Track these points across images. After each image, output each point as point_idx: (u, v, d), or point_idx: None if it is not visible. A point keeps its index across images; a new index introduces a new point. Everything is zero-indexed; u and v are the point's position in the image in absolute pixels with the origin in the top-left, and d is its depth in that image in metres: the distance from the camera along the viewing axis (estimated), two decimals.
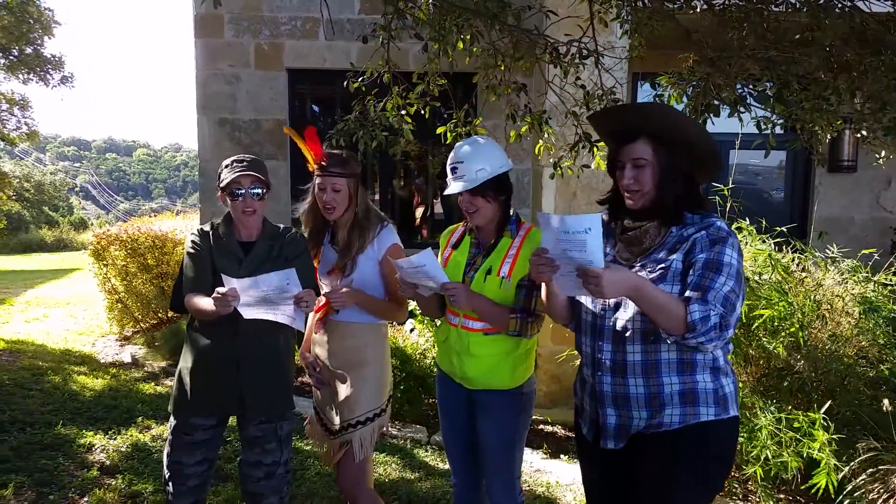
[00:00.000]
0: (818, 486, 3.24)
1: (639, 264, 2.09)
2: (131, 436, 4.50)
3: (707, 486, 2.11)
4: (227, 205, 2.75)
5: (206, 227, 2.81)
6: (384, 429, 2.98)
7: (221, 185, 2.70)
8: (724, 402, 2.07)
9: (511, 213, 2.71)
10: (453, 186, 2.61)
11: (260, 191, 2.71)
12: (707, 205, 2.14)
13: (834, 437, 3.31)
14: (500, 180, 2.63)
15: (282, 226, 2.90)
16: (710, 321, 1.87)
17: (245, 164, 2.71)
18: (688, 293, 1.95)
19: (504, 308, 2.58)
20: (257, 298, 2.48)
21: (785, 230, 4.37)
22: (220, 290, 2.42)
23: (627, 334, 2.08)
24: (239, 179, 2.67)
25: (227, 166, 2.72)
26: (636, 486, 2.14)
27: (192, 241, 2.76)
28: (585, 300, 2.22)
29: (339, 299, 2.77)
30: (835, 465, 3.27)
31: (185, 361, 2.79)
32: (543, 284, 2.29)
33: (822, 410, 3.39)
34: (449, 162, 2.66)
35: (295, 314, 2.53)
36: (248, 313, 2.47)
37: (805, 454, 3.37)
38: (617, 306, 2.12)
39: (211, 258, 2.72)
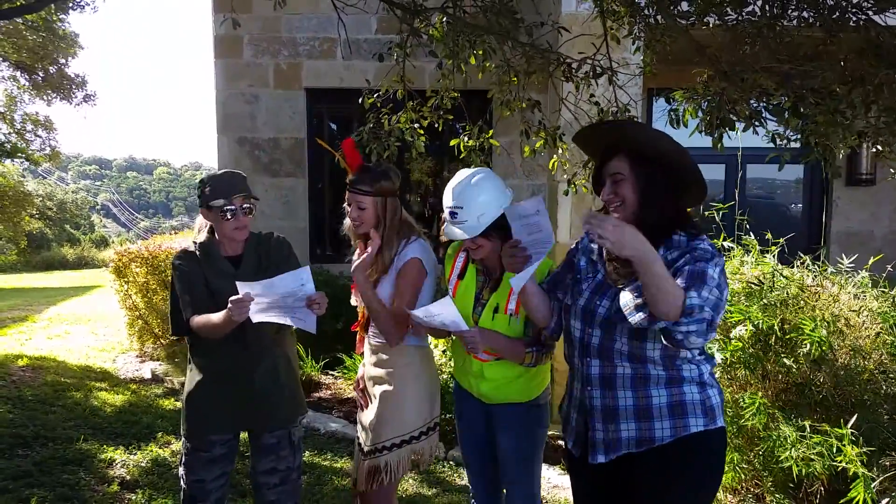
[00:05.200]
0: (856, 500, 3.15)
1: (626, 289, 2.04)
2: (151, 451, 4.54)
3: (700, 498, 2.12)
4: (213, 221, 2.72)
5: (190, 248, 2.78)
6: (431, 454, 2.87)
7: (213, 203, 2.64)
8: (711, 413, 2.08)
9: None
10: (455, 232, 2.52)
11: (250, 206, 2.71)
12: (696, 227, 2.11)
13: (864, 450, 3.25)
14: (500, 218, 2.51)
15: (262, 231, 2.87)
16: (704, 311, 1.84)
17: (234, 184, 2.67)
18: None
19: (519, 343, 2.57)
20: (271, 302, 2.45)
21: (782, 241, 4.31)
22: (234, 297, 2.40)
23: (615, 352, 2.10)
24: (233, 200, 2.65)
25: (210, 185, 2.66)
26: (628, 501, 2.14)
27: (180, 265, 2.73)
28: (574, 319, 2.22)
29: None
30: (867, 477, 3.19)
31: (195, 382, 2.78)
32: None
33: (850, 425, 3.34)
34: (446, 204, 2.55)
35: (306, 317, 2.49)
36: (258, 317, 2.45)
37: (828, 466, 3.32)
38: (603, 323, 2.12)
39: (203, 277, 2.70)
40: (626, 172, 2.10)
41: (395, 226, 2.73)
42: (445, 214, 2.56)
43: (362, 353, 3.01)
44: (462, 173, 2.58)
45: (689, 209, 2.20)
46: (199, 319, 2.63)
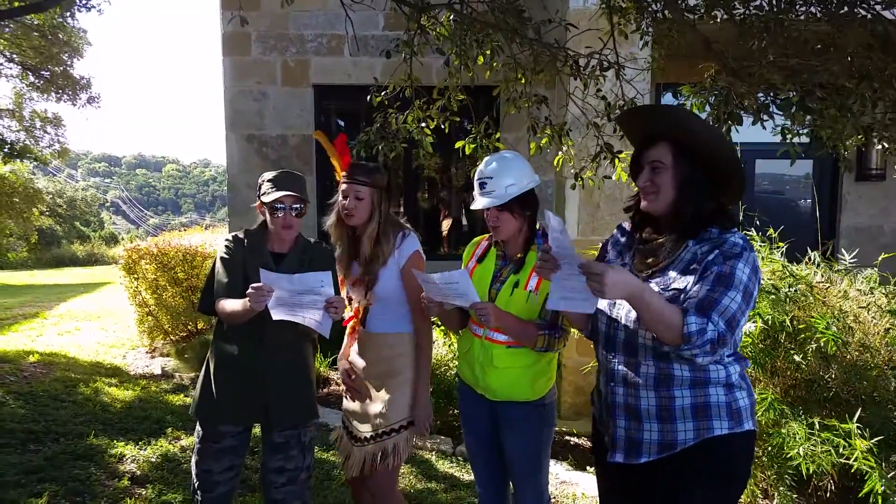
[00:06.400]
0: (872, 493, 3.12)
1: (652, 281, 2.05)
2: (161, 446, 4.57)
3: (720, 502, 2.07)
4: (266, 217, 2.81)
5: (241, 234, 2.87)
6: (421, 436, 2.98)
7: (264, 199, 2.75)
8: (737, 416, 2.02)
9: (538, 227, 2.72)
10: (481, 202, 2.61)
11: (300, 207, 2.78)
12: (731, 221, 2.08)
13: (873, 443, 3.23)
14: (527, 196, 2.64)
15: (313, 239, 2.95)
16: (706, 335, 1.84)
17: (289, 182, 2.76)
18: (690, 303, 1.91)
19: (531, 325, 2.58)
20: (289, 297, 2.50)
21: (791, 239, 4.29)
22: (254, 284, 2.45)
23: (639, 347, 2.07)
24: (282, 198, 2.73)
25: (270, 181, 2.77)
26: (648, 498, 2.12)
27: (227, 247, 2.83)
28: (602, 309, 2.20)
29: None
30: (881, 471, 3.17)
31: (212, 369, 2.84)
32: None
33: (855, 419, 3.32)
34: (477, 176, 2.66)
35: (323, 319, 2.54)
36: (277, 314, 2.49)
37: (837, 462, 3.31)
38: (629, 318, 2.09)
39: (243, 265, 2.77)
40: (667, 162, 2.06)
41: (388, 218, 2.90)
42: (475, 188, 2.67)
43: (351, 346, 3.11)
44: (495, 154, 2.77)
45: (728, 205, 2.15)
46: (222, 303, 2.71)
